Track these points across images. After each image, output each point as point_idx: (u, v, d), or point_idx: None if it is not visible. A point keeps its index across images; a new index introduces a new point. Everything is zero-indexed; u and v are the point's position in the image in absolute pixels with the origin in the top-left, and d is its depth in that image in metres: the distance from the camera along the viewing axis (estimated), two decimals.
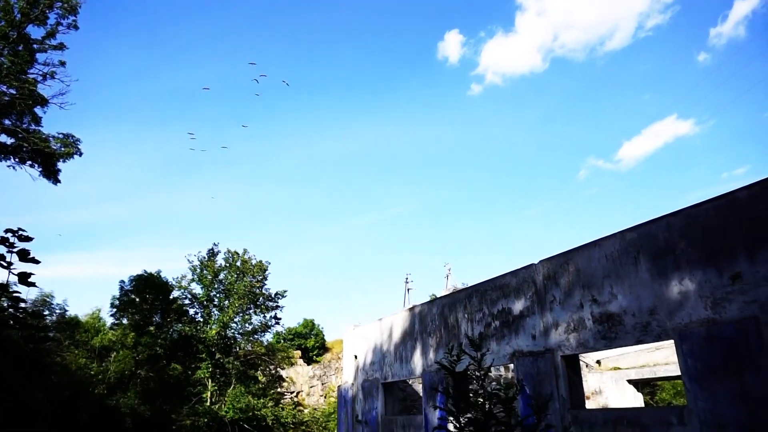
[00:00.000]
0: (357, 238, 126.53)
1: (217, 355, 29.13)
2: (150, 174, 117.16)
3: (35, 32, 23.29)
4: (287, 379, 35.23)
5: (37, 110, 23.47)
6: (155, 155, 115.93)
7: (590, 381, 18.56)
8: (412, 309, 15.07)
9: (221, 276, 31.34)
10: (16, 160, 23.27)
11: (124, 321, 28.70)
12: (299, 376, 36.74)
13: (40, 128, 23.63)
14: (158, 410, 26.00)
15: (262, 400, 28.47)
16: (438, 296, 19.26)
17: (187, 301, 30.79)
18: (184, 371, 29.38)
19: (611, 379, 18.20)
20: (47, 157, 23.53)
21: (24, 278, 4.60)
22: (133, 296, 28.78)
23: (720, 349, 7.12)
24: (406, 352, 14.82)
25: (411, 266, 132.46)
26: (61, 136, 23.98)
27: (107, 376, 26.38)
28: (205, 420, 26.20)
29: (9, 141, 23.02)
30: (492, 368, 12.83)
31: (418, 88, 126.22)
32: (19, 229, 4.67)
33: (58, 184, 24.40)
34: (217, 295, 30.99)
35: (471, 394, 13.13)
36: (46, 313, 27.83)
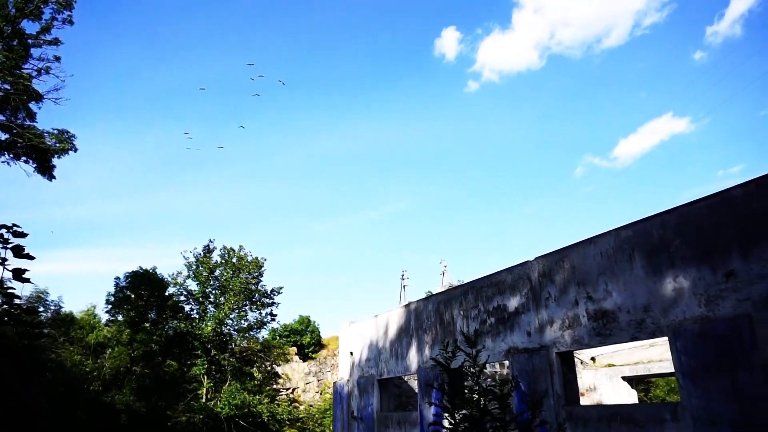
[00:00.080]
0: (353, 235, 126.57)
1: (213, 352, 29.09)
2: (146, 171, 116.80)
3: (30, 27, 23.11)
4: (283, 376, 35.24)
5: (32, 106, 23.36)
6: (152, 153, 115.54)
7: (585, 378, 18.65)
8: (407, 306, 15.10)
9: (217, 272, 31.27)
10: (11, 155, 23.15)
11: (120, 318, 28.61)
12: (295, 372, 36.76)
13: (34, 124, 23.52)
14: (153, 407, 25.96)
15: (257, 397, 28.47)
16: (434, 293, 19.32)
17: (182, 298, 30.72)
18: (179, 368, 29.34)
19: (606, 375, 18.29)
20: (42, 153, 23.41)
21: (18, 274, 4.58)
22: (128, 293, 28.68)
23: (713, 347, 7.17)
24: (402, 348, 14.85)
25: (407, 263, 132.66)
26: (56, 132, 23.87)
27: (102, 372, 26.32)
28: (201, 416, 26.19)
29: (3, 137, 22.89)
30: (487, 365, 12.88)
31: (414, 86, 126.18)
32: (14, 225, 4.65)
33: (53, 180, 24.30)
34: (213, 292, 30.93)
35: (466, 391, 13.16)
36: (41, 309, 27.69)
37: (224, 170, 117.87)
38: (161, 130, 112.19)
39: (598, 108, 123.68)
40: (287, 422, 29.62)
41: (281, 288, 32.65)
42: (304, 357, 39.59)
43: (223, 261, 31.62)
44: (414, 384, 19.37)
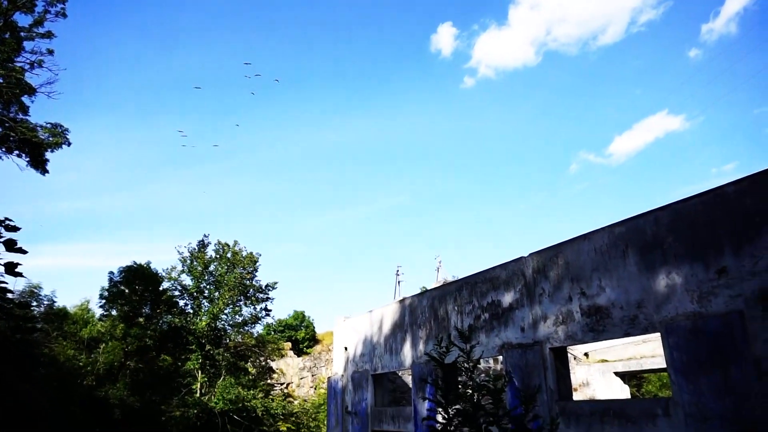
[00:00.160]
0: (348, 230, 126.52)
1: (207, 347, 29.08)
2: (140, 166, 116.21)
3: (23, 20, 22.90)
4: (277, 371, 35.27)
5: (25, 99, 23.19)
6: (147, 147, 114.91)
7: (578, 373, 18.77)
8: (402, 301, 15.12)
9: (211, 267, 31.23)
10: (3, 149, 22.97)
11: (114, 312, 28.55)
12: (289, 367, 36.80)
13: (27, 117, 23.35)
14: (148, 401, 25.95)
15: (252, 392, 28.50)
16: (428, 289, 19.35)
17: (177, 293, 30.69)
18: (173, 363, 29.32)
19: (599, 371, 18.41)
20: (35, 147, 23.24)
21: (11, 268, 4.56)
22: (122, 287, 28.61)
23: (705, 343, 7.22)
24: (396, 344, 14.89)
25: (402, 259, 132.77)
26: (49, 125, 23.70)
27: (96, 367, 26.26)
28: (195, 411, 26.19)
29: None
30: (481, 360, 12.92)
31: (410, 81, 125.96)
32: (6, 218, 4.63)
33: (47, 174, 24.14)
34: (208, 287, 30.90)
35: (460, 386, 13.21)
36: (34, 304, 27.59)
37: (219, 165, 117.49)
38: (155, 125, 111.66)
39: (593, 105, 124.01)
40: (281, 417, 29.67)
41: (276, 283, 32.68)
42: (299, 352, 39.63)
43: (218, 256, 31.57)
44: (408, 379, 19.42)
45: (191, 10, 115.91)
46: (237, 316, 31.36)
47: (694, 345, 7.34)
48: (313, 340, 41.59)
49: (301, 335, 41.38)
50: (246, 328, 31.96)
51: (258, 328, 33.45)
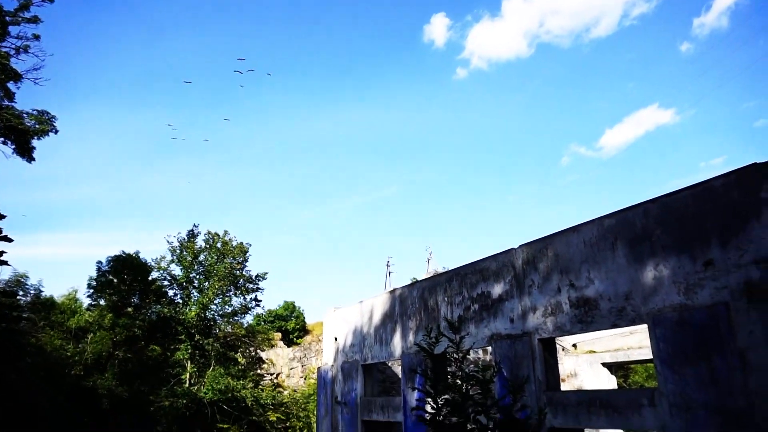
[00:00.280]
0: (339, 221, 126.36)
1: (197, 337, 28.99)
2: (129, 155, 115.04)
3: (8, 4, 22.52)
4: (267, 361, 35.27)
5: (10, 85, 22.76)
6: (136, 136, 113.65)
7: (566, 364, 18.95)
8: (392, 292, 15.15)
9: (201, 257, 31.06)
10: None
11: (102, 302, 28.35)
12: (279, 358, 36.82)
13: (13, 104, 22.95)
14: (136, 391, 25.87)
15: (241, 382, 28.50)
16: (419, 279, 19.39)
17: (166, 283, 30.51)
18: (163, 353, 29.21)
19: (586, 362, 18.60)
20: (21, 134, 22.87)
21: None
22: (110, 277, 28.39)
23: (691, 334, 7.31)
24: (386, 334, 14.93)
25: (393, 250, 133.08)
26: (35, 112, 23.33)
27: (84, 357, 26.10)
28: (184, 401, 26.15)
29: None
30: (470, 351, 12.99)
31: (403, 72, 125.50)
32: None
33: (33, 162, 23.79)
34: (197, 277, 30.75)
35: (449, 376, 13.30)
36: (21, 293, 27.33)
37: (209, 155, 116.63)
38: (145, 115, 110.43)
39: (585, 97, 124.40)
40: (271, 407, 29.72)
41: (266, 273, 32.59)
42: (289, 342, 39.64)
43: (208, 246, 31.39)
44: (398, 369, 19.52)
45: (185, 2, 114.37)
46: (227, 306, 31.29)
47: (680, 336, 7.43)
48: (303, 330, 41.60)
49: (291, 325, 41.36)
50: (236, 318, 31.89)
51: (248, 319, 33.43)
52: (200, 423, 26.84)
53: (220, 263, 30.64)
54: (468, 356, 7.61)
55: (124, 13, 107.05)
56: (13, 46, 22.34)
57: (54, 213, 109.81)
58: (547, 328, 9.69)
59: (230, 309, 31.42)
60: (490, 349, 11.73)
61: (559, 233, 9.78)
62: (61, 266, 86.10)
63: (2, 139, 22.87)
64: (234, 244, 31.73)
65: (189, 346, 28.67)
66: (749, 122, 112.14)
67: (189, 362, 28.77)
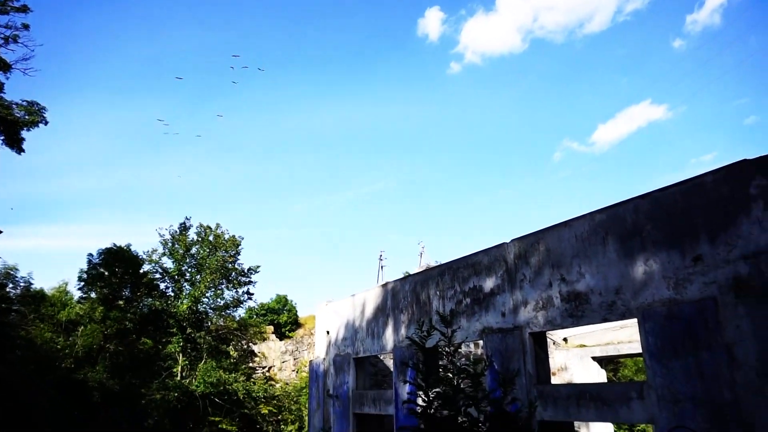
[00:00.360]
0: (332, 215, 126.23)
1: (189, 330, 28.92)
2: (121, 147, 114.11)
3: None
4: (259, 354, 35.27)
5: None
6: (127, 128, 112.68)
7: (556, 358, 19.10)
8: (385, 285, 15.18)
9: (193, 250, 30.94)
10: None
11: (93, 295, 28.16)
12: (271, 351, 36.83)
13: (2, 95, 22.64)
14: (127, 385, 25.77)
15: (233, 375, 28.48)
16: (411, 273, 19.44)
17: (157, 276, 30.36)
18: (154, 346, 29.09)
19: (577, 356, 18.76)
20: (10, 126, 22.58)
21: None
22: (101, 270, 28.18)
23: (680, 328, 7.40)
24: (378, 327, 14.98)
25: (385, 244, 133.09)
26: (24, 103, 23.03)
27: (74, 350, 25.95)
28: (176, 394, 26.11)
29: None
30: (462, 344, 13.07)
31: (397, 65, 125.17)
32: None
33: (22, 153, 23.53)
34: (189, 270, 30.63)
35: (440, 370, 13.38)
36: (10, 286, 27.10)
37: (201, 148, 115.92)
38: (137, 107, 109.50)
39: (578, 93, 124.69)
40: (263, 400, 29.74)
41: (258, 267, 32.53)
42: (281, 336, 39.62)
43: (200, 239, 31.27)
44: (389, 363, 19.59)
45: None
46: (219, 300, 31.20)
47: (669, 330, 7.52)
48: (296, 323, 41.58)
49: (283, 319, 41.33)
50: (228, 311, 31.83)
51: (240, 312, 33.37)
52: (192, 416, 26.83)
53: (212, 256, 30.54)
54: (459, 350, 7.65)
55: (118, 6, 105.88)
56: (1, 36, 22.02)
57: (44, 205, 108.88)
58: (538, 322, 9.76)
59: (222, 302, 31.35)
60: (481, 342, 11.81)
61: (550, 228, 9.84)
62: (51, 259, 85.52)
63: None
64: (226, 237, 31.63)
65: (181, 339, 28.59)
66: (740, 119, 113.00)
67: (180, 355, 28.71)
